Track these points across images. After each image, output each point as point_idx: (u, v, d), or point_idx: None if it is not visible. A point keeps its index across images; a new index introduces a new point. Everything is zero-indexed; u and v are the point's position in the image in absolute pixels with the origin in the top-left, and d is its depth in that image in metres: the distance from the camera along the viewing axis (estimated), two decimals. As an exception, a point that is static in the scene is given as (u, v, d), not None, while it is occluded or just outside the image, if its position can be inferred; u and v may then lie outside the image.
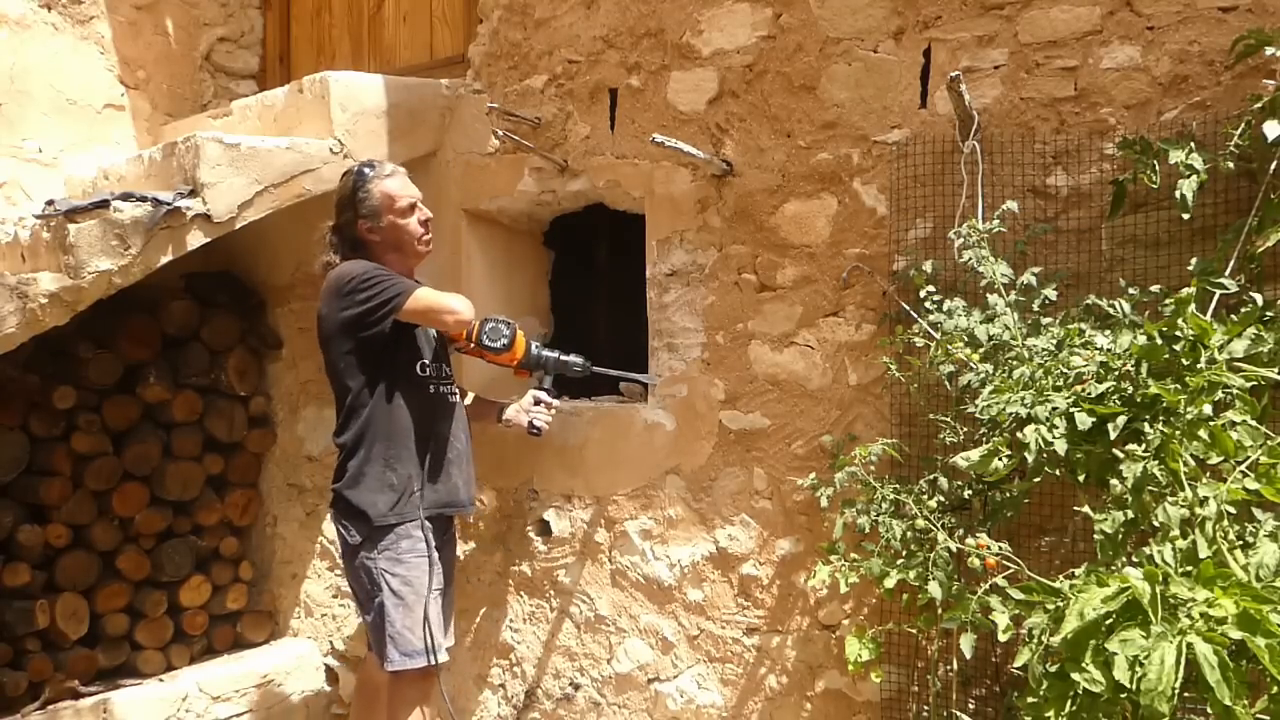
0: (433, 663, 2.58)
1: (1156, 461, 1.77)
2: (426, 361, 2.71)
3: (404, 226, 2.67)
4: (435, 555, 2.64)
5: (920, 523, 2.22)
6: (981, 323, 2.24)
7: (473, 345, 2.78)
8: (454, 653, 3.10)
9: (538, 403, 2.91)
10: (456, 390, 2.84)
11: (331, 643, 3.74)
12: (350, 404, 2.64)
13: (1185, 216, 2.09)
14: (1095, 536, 1.82)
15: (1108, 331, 2.06)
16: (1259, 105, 2.05)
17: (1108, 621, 1.61)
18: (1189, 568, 1.66)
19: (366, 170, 2.67)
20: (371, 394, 2.62)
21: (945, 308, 2.32)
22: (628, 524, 3.01)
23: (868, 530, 2.34)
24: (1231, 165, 2.08)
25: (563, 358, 2.90)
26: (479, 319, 2.75)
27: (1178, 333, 1.86)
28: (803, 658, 2.72)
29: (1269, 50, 2.07)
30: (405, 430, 2.63)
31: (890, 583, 2.20)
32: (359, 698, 3.02)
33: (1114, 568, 1.78)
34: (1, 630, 3.12)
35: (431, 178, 3.41)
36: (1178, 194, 2.08)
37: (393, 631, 2.56)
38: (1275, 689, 1.55)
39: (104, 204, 2.78)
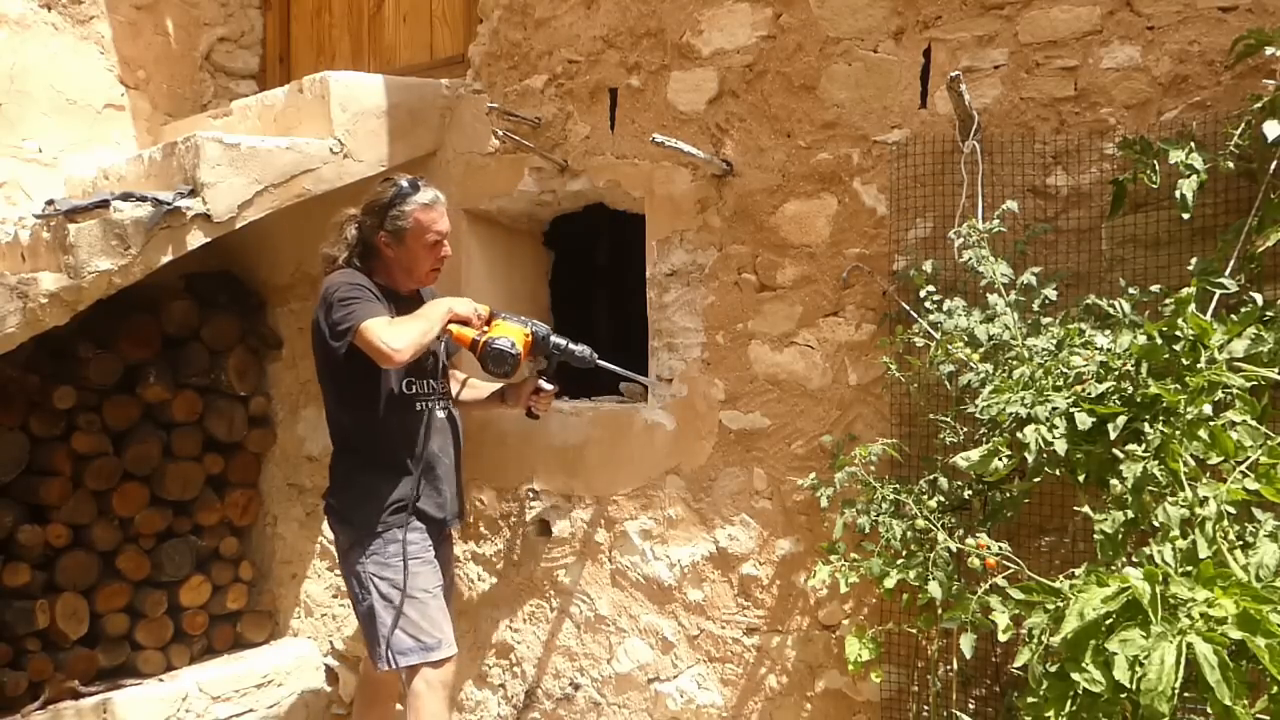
0: (426, 660, 2.58)
1: (1156, 461, 1.77)
2: (413, 379, 2.69)
3: (421, 256, 2.67)
4: (430, 554, 2.67)
5: (920, 523, 2.22)
6: (981, 323, 2.24)
7: (479, 363, 2.67)
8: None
9: (537, 391, 2.84)
10: (447, 406, 2.81)
11: (331, 643, 3.75)
12: (332, 413, 2.71)
13: (1185, 216, 2.09)
14: (1095, 536, 1.82)
15: (1108, 331, 2.06)
16: (1259, 105, 2.05)
17: (1108, 621, 1.61)
18: (1189, 568, 1.66)
19: (408, 189, 2.62)
20: (353, 406, 2.66)
21: (945, 308, 2.32)
22: (628, 524, 3.01)
23: (868, 530, 2.34)
24: (1231, 165, 2.08)
25: (570, 346, 2.78)
26: (491, 332, 2.64)
27: (1178, 333, 1.86)
28: (803, 658, 2.72)
29: (1269, 50, 2.07)
30: (390, 443, 2.65)
31: (890, 583, 2.20)
32: (360, 695, 3.03)
33: (1114, 568, 1.78)
34: (1, 630, 3.12)
35: (431, 178, 3.39)
36: (1178, 194, 2.08)
37: (385, 632, 2.58)
38: (1275, 689, 1.55)
39: (104, 204, 2.78)
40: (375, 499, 2.62)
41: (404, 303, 2.70)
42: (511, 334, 2.65)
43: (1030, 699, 1.74)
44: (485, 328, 2.68)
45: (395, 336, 2.46)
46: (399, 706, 2.83)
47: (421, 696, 2.59)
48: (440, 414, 2.77)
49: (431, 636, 2.59)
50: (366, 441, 2.67)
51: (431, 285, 2.84)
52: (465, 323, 2.65)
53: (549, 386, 2.84)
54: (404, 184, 2.63)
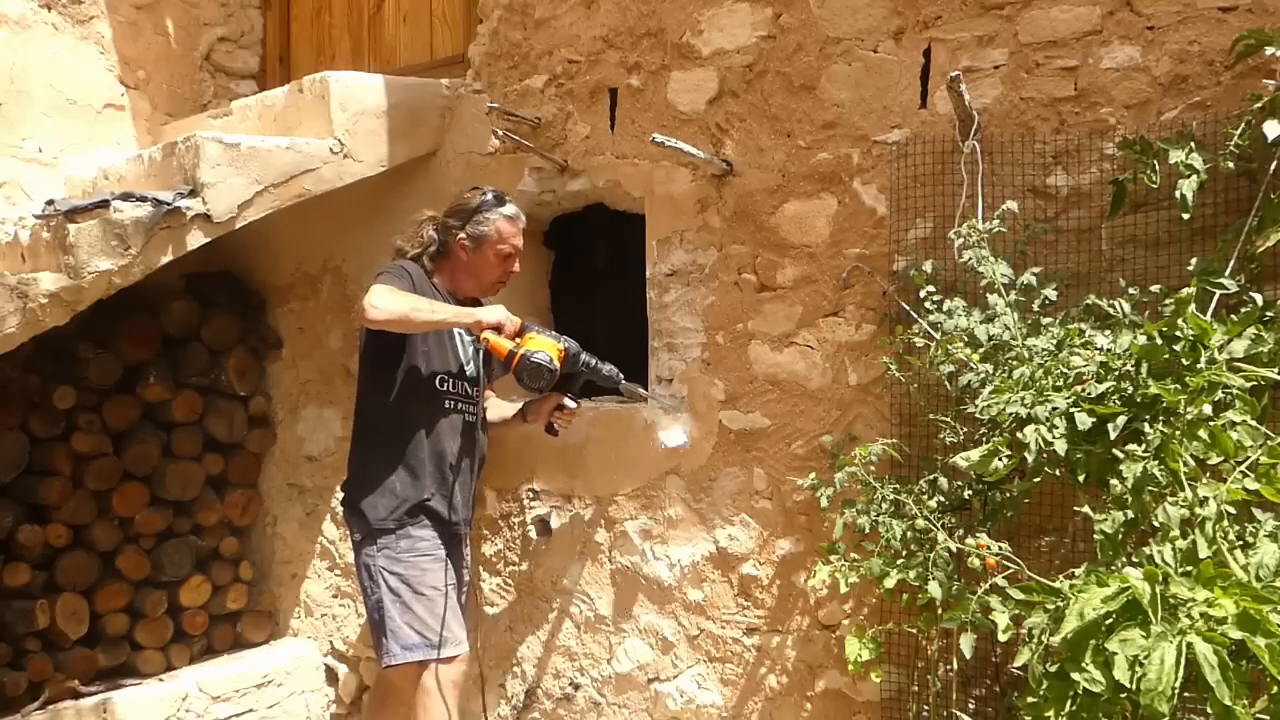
0: (431, 657, 2.59)
1: (1156, 461, 1.77)
2: (446, 377, 2.72)
3: (493, 265, 2.77)
4: (441, 552, 2.67)
5: (920, 523, 2.22)
6: (981, 323, 2.24)
7: (513, 375, 2.62)
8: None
9: (560, 407, 2.84)
10: (476, 414, 2.80)
11: (331, 643, 3.75)
12: (360, 401, 2.74)
13: (1185, 216, 2.09)
14: (1095, 536, 1.82)
15: (1108, 331, 2.06)
16: (1259, 105, 2.05)
17: (1108, 621, 1.61)
18: (1189, 568, 1.66)
19: (494, 201, 2.75)
20: (381, 396, 2.68)
21: (945, 308, 2.32)
22: (628, 524, 3.01)
23: (868, 530, 2.34)
24: (1231, 165, 2.08)
25: (598, 365, 2.78)
26: (526, 345, 2.60)
27: (1178, 333, 1.86)
28: (803, 658, 2.72)
29: (1269, 50, 2.06)
30: (412, 439, 2.67)
31: (890, 583, 2.20)
32: (373, 696, 3.05)
33: (1114, 568, 1.78)
34: (1, 630, 3.12)
35: (431, 178, 3.41)
36: (1178, 194, 2.08)
37: (394, 626, 2.60)
38: (1275, 689, 1.55)
39: (104, 204, 2.78)
40: (390, 494, 2.64)
41: None
42: (547, 348, 2.61)
43: (1030, 699, 1.74)
44: (517, 338, 2.64)
45: (383, 297, 2.48)
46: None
47: (430, 694, 2.59)
48: (469, 419, 2.77)
49: (438, 634, 2.60)
50: (388, 433, 2.68)
51: (489, 295, 2.87)
52: (497, 329, 2.62)
53: (572, 404, 2.84)
54: (491, 195, 2.76)
